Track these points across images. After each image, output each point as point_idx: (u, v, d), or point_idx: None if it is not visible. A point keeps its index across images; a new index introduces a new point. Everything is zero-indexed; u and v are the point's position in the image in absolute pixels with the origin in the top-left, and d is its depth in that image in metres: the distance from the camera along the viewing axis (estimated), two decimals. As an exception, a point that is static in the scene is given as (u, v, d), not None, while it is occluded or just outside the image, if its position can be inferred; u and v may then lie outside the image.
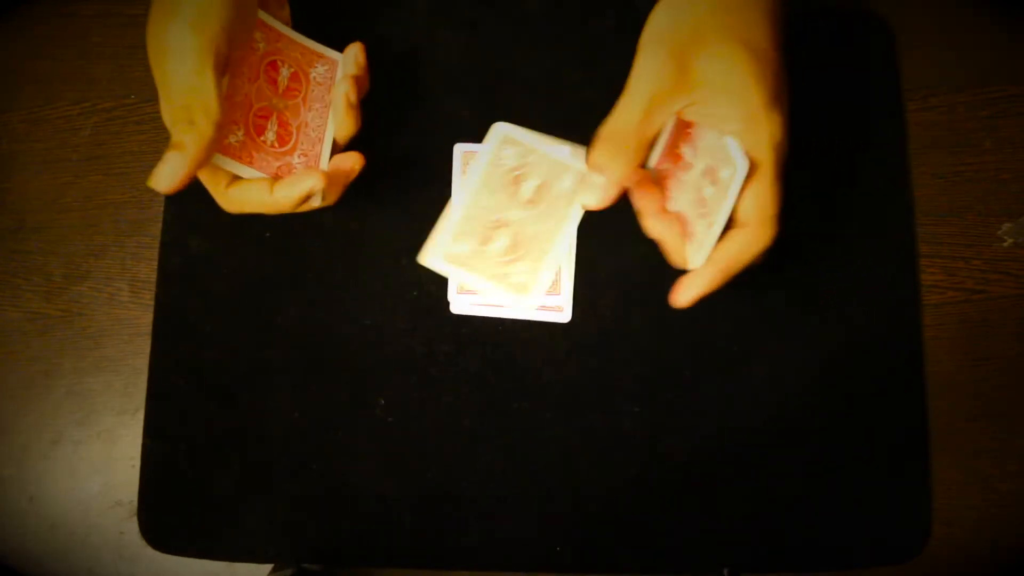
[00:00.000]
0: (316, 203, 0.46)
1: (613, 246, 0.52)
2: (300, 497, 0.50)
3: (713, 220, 0.42)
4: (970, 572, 0.52)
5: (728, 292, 0.52)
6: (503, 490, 0.50)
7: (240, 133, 0.44)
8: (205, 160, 0.41)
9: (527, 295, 0.44)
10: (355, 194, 0.52)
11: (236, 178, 0.44)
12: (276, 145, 0.46)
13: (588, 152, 0.42)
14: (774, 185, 0.41)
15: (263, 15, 0.46)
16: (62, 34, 0.56)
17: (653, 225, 0.45)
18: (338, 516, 0.50)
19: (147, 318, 0.53)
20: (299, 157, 0.47)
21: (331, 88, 0.48)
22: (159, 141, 0.55)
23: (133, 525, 0.51)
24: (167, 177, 0.39)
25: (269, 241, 0.52)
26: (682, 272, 0.44)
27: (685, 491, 0.51)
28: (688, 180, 0.44)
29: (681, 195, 0.45)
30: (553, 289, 0.51)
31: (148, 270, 0.54)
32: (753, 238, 0.42)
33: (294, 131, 0.46)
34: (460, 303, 0.51)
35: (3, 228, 0.55)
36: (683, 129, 0.44)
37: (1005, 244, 0.54)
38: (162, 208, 0.53)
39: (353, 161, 0.47)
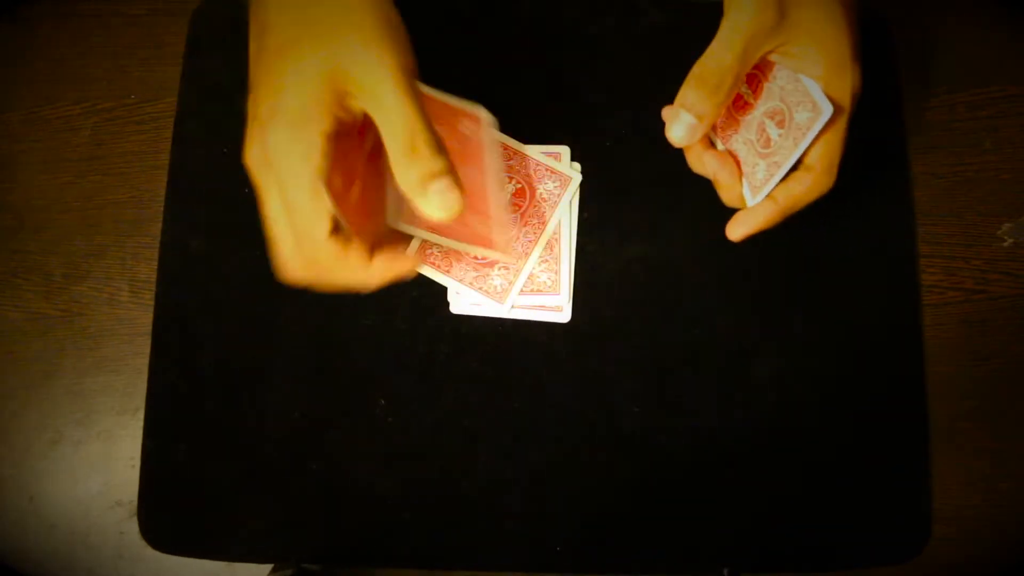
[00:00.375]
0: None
1: (613, 246, 0.52)
2: (300, 497, 0.50)
3: (781, 161, 0.42)
4: (970, 572, 0.52)
5: (728, 291, 0.52)
6: (503, 490, 0.50)
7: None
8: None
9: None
10: (355, 194, 0.53)
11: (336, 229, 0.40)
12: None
13: (682, 89, 0.42)
14: (842, 134, 0.42)
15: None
16: (62, 34, 0.57)
17: (708, 161, 0.45)
18: (338, 516, 0.50)
19: (147, 318, 0.53)
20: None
21: (481, 144, 0.48)
22: (159, 141, 0.55)
23: (133, 525, 0.51)
24: (453, 202, 0.38)
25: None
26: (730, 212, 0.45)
27: (685, 491, 0.51)
28: (750, 120, 0.44)
29: (738, 134, 0.45)
30: (553, 289, 0.51)
31: (148, 270, 0.54)
32: (816, 183, 0.43)
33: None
34: (460, 303, 0.51)
35: (3, 228, 0.55)
36: (754, 69, 0.43)
37: (1005, 244, 0.54)
38: (162, 208, 0.53)
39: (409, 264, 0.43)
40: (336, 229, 0.39)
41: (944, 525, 0.51)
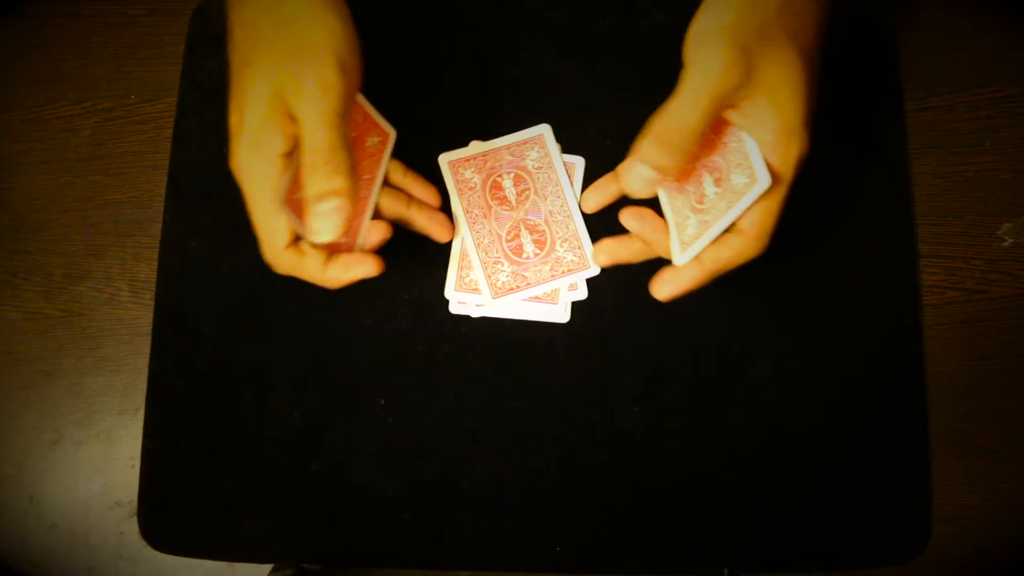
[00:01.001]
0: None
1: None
2: (300, 497, 0.50)
3: (711, 221, 0.42)
4: (970, 572, 0.52)
5: (728, 292, 0.52)
6: (503, 490, 0.50)
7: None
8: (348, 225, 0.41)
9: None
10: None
11: (296, 240, 0.43)
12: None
13: (639, 141, 0.41)
14: (780, 202, 0.41)
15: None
16: (62, 34, 0.56)
17: (626, 219, 0.46)
18: (338, 516, 0.50)
19: (147, 318, 0.53)
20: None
21: (379, 160, 0.48)
22: (159, 141, 0.55)
23: (133, 525, 0.51)
24: (334, 226, 0.40)
25: (269, 241, 0.52)
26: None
27: (685, 491, 0.51)
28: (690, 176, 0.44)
29: (676, 189, 0.45)
30: (552, 295, 0.51)
31: (148, 270, 0.54)
32: (746, 248, 0.42)
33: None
34: (459, 304, 0.51)
35: (3, 228, 0.55)
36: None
37: (1005, 244, 0.54)
38: (162, 208, 0.53)
39: (384, 232, 0.47)
40: (296, 240, 0.43)
41: (944, 525, 0.51)
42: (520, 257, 0.50)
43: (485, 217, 0.50)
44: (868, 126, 0.54)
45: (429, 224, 0.49)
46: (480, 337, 0.51)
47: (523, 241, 0.50)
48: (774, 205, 0.41)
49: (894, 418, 0.51)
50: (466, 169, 0.51)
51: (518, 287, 0.50)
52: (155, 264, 0.53)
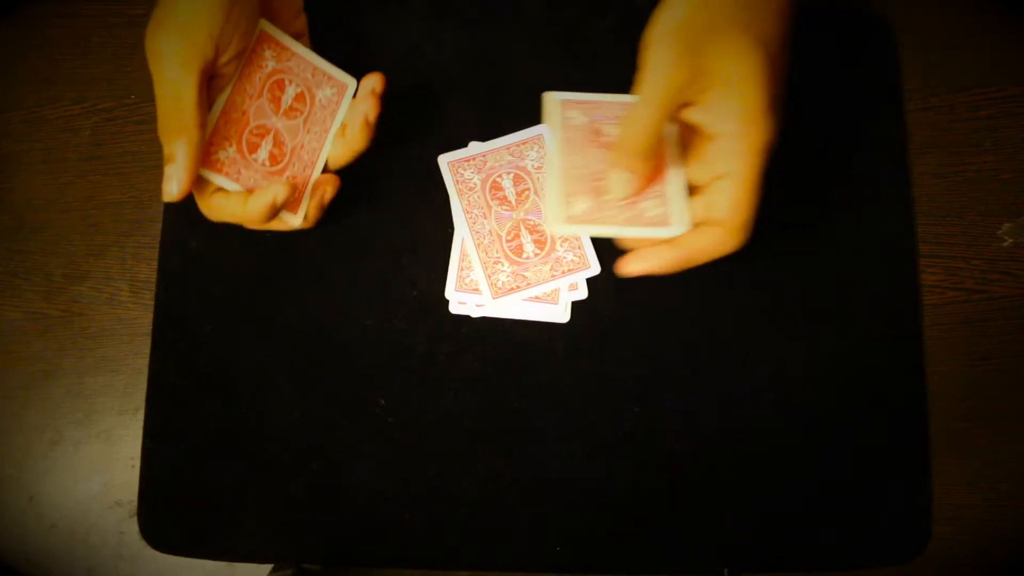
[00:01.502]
0: (295, 223, 0.47)
1: (612, 246, 0.52)
2: (300, 497, 0.50)
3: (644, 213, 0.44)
4: (970, 572, 0.52)
5: (728, 292, 0.52)
6: (503, 490, 0.50)
7: (231, 148, 0.45)
8: (199, 164, 0.43)
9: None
10: (355, 195, 0.52)
11: (222, 188, 0.45)
12: (267, 164, 0.46)
13: (613, 153, 0.43)
14: (753, 191, 0.41)
15: (273, 30, 0.46)
16: (62, 34, 0.56)
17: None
18: (338, 516, 0.50)
19: (147, 318, 0.53)
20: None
21: (334, 112, 0.48)
22: (158, 141, 0.55)
23: (133, 525, 0.51)
24: (169, 189, 0.42)
25: (269, 241, 0.52)
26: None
27: (685, 491, 0.51)
28: None
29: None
30: (552, 295, 0.51)
31: (148, 270, 0.54)
32: (725, 240, 0.42)
33: (288, 152, 0.47)
34: (459, 304, 0.51)
35: (3, 228, 0.55)
36: None
37: (1005, 244, 0.54)
38: (162, 208, 0.53)
39: (328, 182, 0.48)
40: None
41: (944, 525, 0.51)
42: (520, 257, 0.50)
43: (485, 217, 0.50)
44: (868, 126, 0.54)
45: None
46: (480, 337, 0.51)
47: (523, 241, 0.50)
48: (746, 197, 0.41)
49: (894, 418, 0.51)
50: (466, 169, 0.51)
51: (518, 287, 0.50)
52: (155, 264, 0.53)
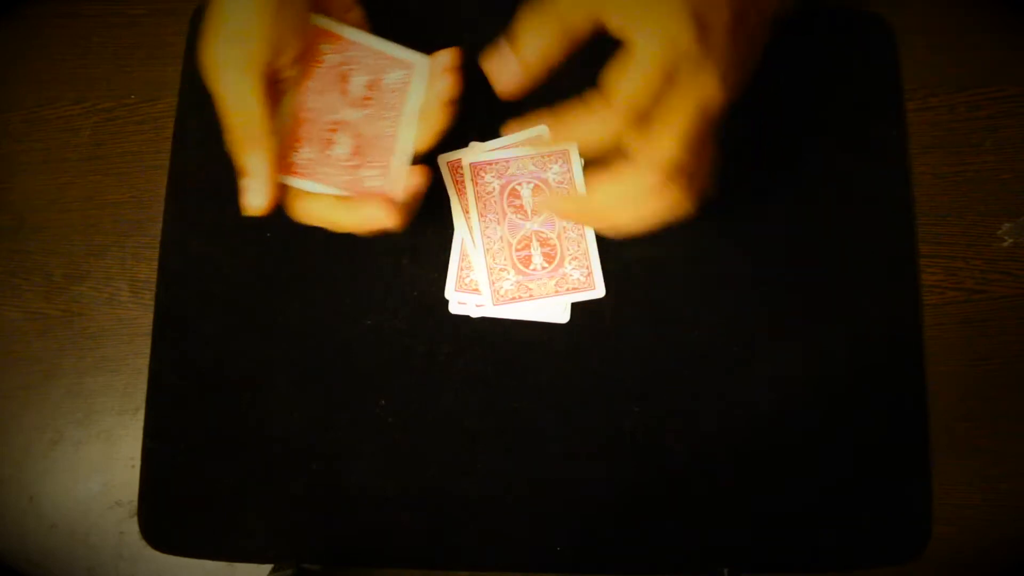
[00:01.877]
0: (389, 225, 0.44)
1: (613, 247, 0.52)
2: (300, 497, 0.50)
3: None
4: (970, 572, 0.52)
5: (728, 292, 0.52)
6: (503, 490, 0.50)
7: (308, 149, 0.43)
8: (277, 173, 0.41)
9: (594, 287, 0.47)
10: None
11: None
12: (347, 158, 0.44)
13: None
14: (650, 74, 0.38)
15: (328, 23, 0.44)
16: (62, 34, 0.57)
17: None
18: (338, 516, 0.50)
19: (147, 318, 0.53)
20: (369, 169, 0.45)
21: (406, 93, 0.46)
22: (159, 141, 0.55)
23: (133, 525, 0.51)
24: (250, 202, 0.41)
25: (269, 241, 0.53)
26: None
27: (685, 491, 0.51)
28: None
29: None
30: (588, 285, 0.51)
31: (148, 270, 0.54)
32: (604, 116, 0.39)
33: (366, 142, 0.45)
34: (459, 304, 0.51)
35: (3, 228, 0.55)
36: None
37: (1005, 244, 0.54)
38: (162, 208, 0.53)
39: (418, 177, 0.44)
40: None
41: (944, 525, 0.51)
42: (527, 268, 0.50)
43: (499, 224, 0.50)
44: (868, 126, 0.54)
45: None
46: (480, 337, 0.52)
47: (532, 252, 0.50)
48: (640, 76, 0.38)
49: (894, 418, 0.51)
50: (487, 173, 0.50)
51: (520, 297, 0.50)
52: (155, 264, 0.53)
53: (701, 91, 0.38)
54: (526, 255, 0.50)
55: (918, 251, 0.53)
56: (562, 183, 0.49)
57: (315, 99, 0.44)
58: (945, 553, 0.51)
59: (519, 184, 0.51)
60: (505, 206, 0.50)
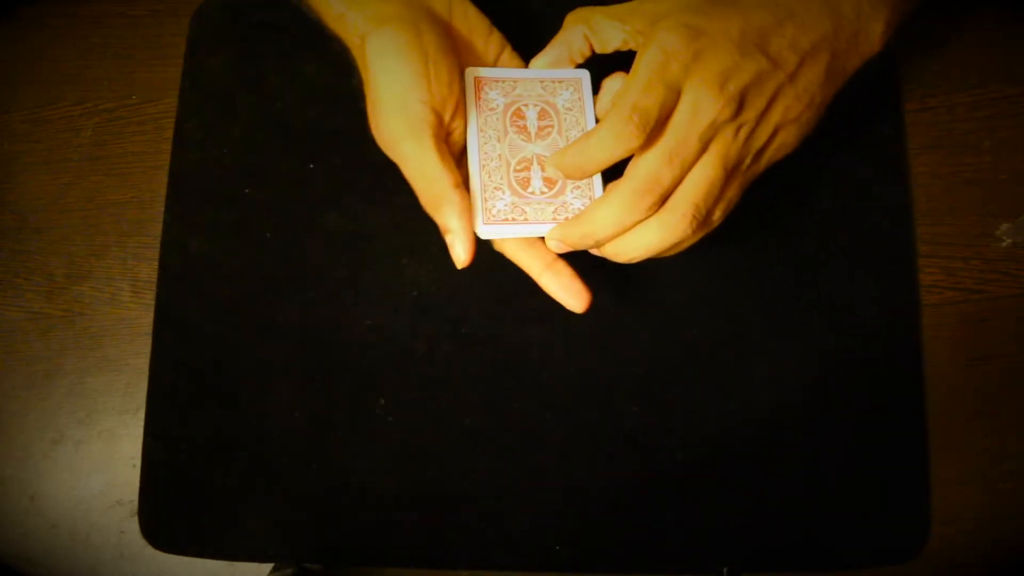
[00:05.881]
0: None
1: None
2: (300, 497, 0.50)
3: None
4: (970, 572, 0.52)
5: (727, 292, 0.52)
6: (503, 490, 0.50)
7: (506, 195, 0.44)
8: (472, 223, 0.42)
9: None
10: (355, 195, 0.53)
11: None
12: (546, 191, 0.45)
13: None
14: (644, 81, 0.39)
15: (481, 71, 0.45)
16: (63, 35, 0.57)
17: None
18: (338, 516, 0.50)
19: (148, 318, 0.53)
20: (572, 191, 0.45)
21: (583, 110, 0.46)
22: (160, 141, 0.55)
23: (134, 524, 0.52)
24: (457, 256, 0.41)
25: (269, 241, 0.53)
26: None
27: (685, 491, 0.51)
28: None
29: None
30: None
31: (149, 270, 0.54)
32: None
33: None
34: (489, 230, 0.47)
35: (4, 228, 0.55)
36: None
37: (1004, 244, 0.54)
38: (163, 208, 0.54)
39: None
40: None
41: (944, 525, 0.51)
42: (525, 190, 0.46)
43: (499, 141, 0.46)
44: (867, 126, 0.54)
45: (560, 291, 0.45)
46: (480, 337, 0.52)
47: (532, 175, 0.46)
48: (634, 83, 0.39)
49: (893, 418, 0.51)
50: (492, 89, 0.47)
51: (514, 219, 0.45)
52: (156, 264, 0.53)
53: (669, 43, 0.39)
54: (525, 176, 0.46)
55: (917, 251, 0.53)
56: (571, 110, 0.47)
57: (498, 146, 0.45)
58: (944, 553, 0.51)
59: (525, 105, 0.47)
60: (508, 125, 0.47)
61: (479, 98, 0.46)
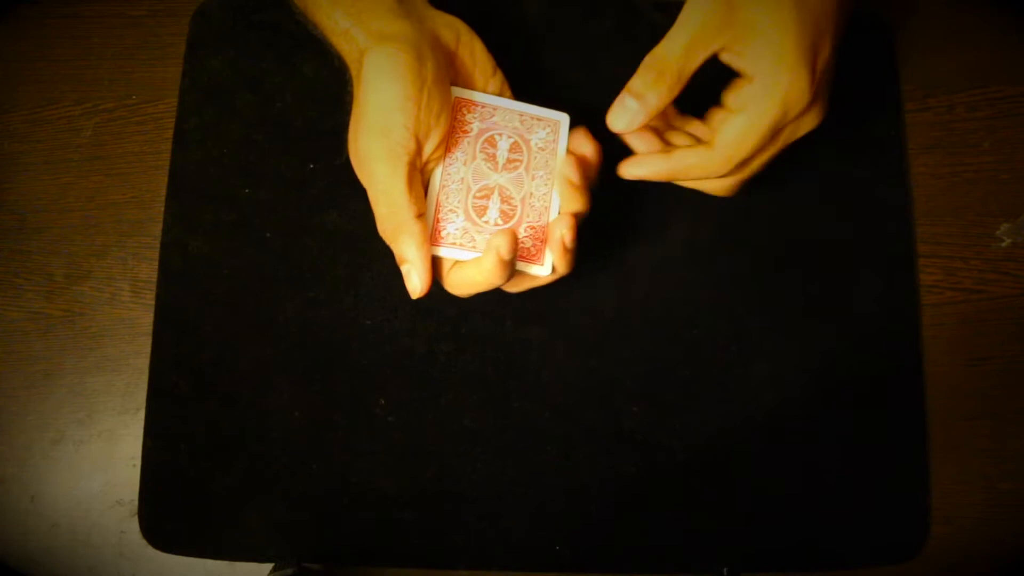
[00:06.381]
0: (543, 274, 0.45)
1: (613, 246, 0.52)
2: (300, 497, 0.51)
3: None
4: (970, 572, 0.52)
5: (728, 292, 0.52)
6: (503, 490, 0.51)
7: (459, 219, 0.44)
8: (429, 254, 0.42)
9: (542, 263, 0.44)
10: (355, 195, 0.53)
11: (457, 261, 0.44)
12: (500, 222, 0.45)
13: (632, 77, 0.43)
14: (758, 134, 0.42)
15: (468, 93, 0.45)
16: (63, 35, 0.57)
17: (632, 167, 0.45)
18: (338, 516, 0.50)
19: (148, 318, 0.53)
20: (526, 231, 0.45)
21: (555, 152, 0.46)
22: (160, 141, 0.55)
23: (134, 524, 0.52)
24: (412, 287, 0.42)
25: (269, 241, 0.53)
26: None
27: (684, 491, 0.51)
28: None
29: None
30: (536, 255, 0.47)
31: (149, 270, 0.54)
32: (710, 162, 0.43)
33: (518, 204, 0.45)
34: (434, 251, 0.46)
35: (5, 228, 0.55)
36: None
37: (1003, 244, 0.54)
38: (163, 208, 0.54)
39: (562, 224, 0.42)
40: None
41: (944, 525, 0.51)
42: (479, 218, 0.45)
43: (465, 164, 0.46)
44: (866, 126, 0.54)
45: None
46: (480, 337, 0.52)
47: (490, 204, 0.46)
48: (747, 135, 0.42)
49: (893, 418, 0.51)
50: (469, 112, 0.47)
51: (462, 245, 0.45)
52: (156, 264, 0.53)
53: (792, 92, 0.41)
54: (483, 204, 0.45)
55: (916, 251, 0.53)
56: (543, 150, 0.47)
57: (463, 169, 0.45)
58: (943, 552, 0.51)
59: (499, 134, 0.47)
60: (477, 151, 0.46)
61: (455, 119, 0.46)
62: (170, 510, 0.51)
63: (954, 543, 0.51)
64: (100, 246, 0.55)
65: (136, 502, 0.51)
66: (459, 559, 0.50)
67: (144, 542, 0.51)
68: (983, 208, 0.54)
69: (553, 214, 0.45)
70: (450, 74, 0.44)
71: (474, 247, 0.44)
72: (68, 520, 0.53)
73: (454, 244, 0.44)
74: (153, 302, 0.53)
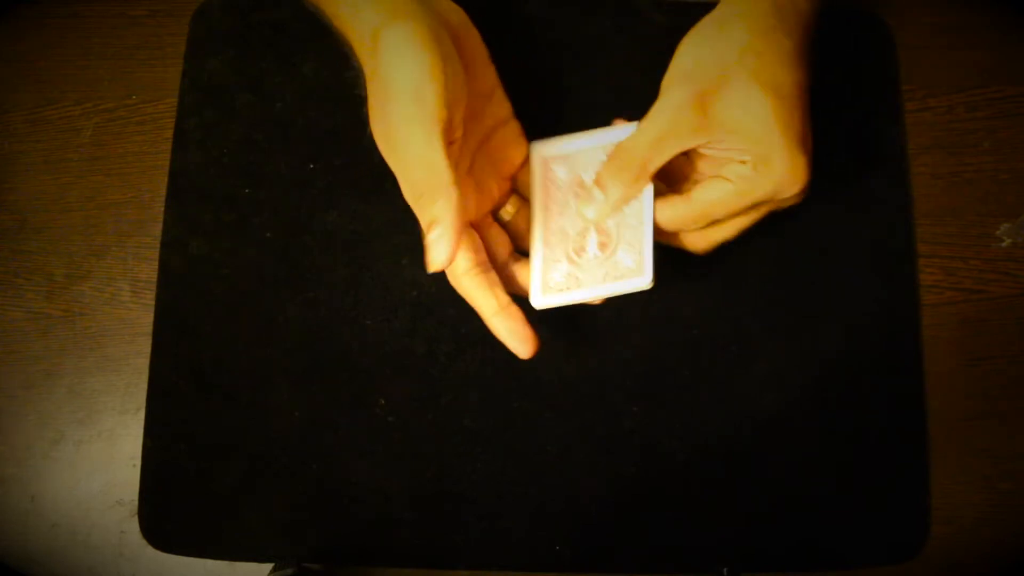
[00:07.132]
0: (644, 287, 0.45)
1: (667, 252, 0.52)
2: (300, 497, 0.51)
3: (583, 281, 0.45)
4: (970, 572, 0.52)
5: (728, 292, 0.52)
6: (503, 490, 0.51)
7: (563, 265, 0.45)
8: (464, 224, 0.40)
9: (642, 274, 0.44)
10: (355, 195, 0.53)
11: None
12: (599, 253, 0.45)
13: (599, 172, 0.44)
14: (741, 206, 0.42)
15: (547, 152, 0.47)
16: (63, 35, 0.57)
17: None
18: (338, 516, 0.50)
19: (148, 318, 0.53)
20: (623, 250, 0.45)
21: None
22: (160, 141, 0.55)
23: (134, 524, 0.52)
24: (436, 256, 0.40)
25: (269, 241, 0.53)
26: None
27: (685, 491, 0.51)
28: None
29: (565, 211, 0.46)
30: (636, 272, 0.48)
31: (149, 270, 0.54)
32: (684, 212, 0.43)
33: (613, 231, 0.46)
34: (546, 300, 0.47)
35: (4, 228, 0.55)
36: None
37: (1004, 244, 0.54)
38: (163, 208, 0.54)
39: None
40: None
41: (944, 525, 0.51)
42: (579, 257, 0.46)
43: (560, 215, 0.47)
44: (866, 126, 0.54)
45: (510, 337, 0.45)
46: (480, 337, 0.51)
47: (588, 241, 0.46)
48: (731, 204, 0.42)
49: (894, 418, 0.51)
50: (558, 165, 0.47)
51: (568, 288, 0.46)
52: (156, 264, 0.53)
53: (784, 204, 0.44)
54: (580, 244, 0.46)
55: (916, 251, 0.53)
56: None
57: (559, 219, 0.46)
58: (943, 552, 0.51)
59: (584, 172, 0.47)
60: (570, 198, 0.47)
61: (546, 177, 0.47)
62: (170, 510, 0.51)
63: (954, 543, 0.51)
64: (100, 246, 0.55)
65: (136, 502, 0.51)
66: (459, 559, 0.50)
67: (144, 542, 0.51)
68: (983, 208, 0.54)
69: (647, 224, 0.45)
70: (457, 51, 0.43)
71: (579, 286, 0.45)
72: (68, 520, 0.53)
73: (562, 291, 0.45)
74: (153, 302, 0.53)
